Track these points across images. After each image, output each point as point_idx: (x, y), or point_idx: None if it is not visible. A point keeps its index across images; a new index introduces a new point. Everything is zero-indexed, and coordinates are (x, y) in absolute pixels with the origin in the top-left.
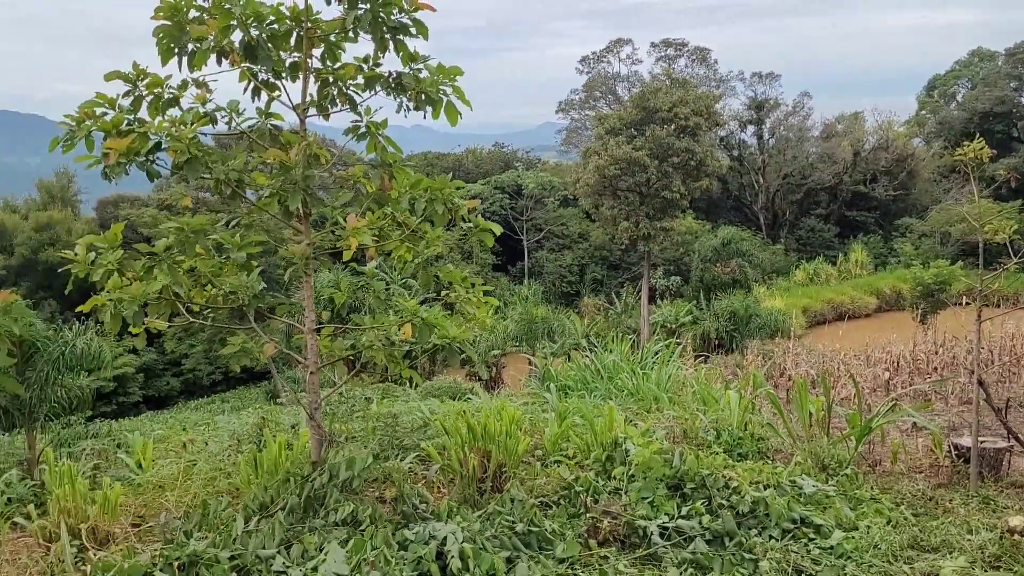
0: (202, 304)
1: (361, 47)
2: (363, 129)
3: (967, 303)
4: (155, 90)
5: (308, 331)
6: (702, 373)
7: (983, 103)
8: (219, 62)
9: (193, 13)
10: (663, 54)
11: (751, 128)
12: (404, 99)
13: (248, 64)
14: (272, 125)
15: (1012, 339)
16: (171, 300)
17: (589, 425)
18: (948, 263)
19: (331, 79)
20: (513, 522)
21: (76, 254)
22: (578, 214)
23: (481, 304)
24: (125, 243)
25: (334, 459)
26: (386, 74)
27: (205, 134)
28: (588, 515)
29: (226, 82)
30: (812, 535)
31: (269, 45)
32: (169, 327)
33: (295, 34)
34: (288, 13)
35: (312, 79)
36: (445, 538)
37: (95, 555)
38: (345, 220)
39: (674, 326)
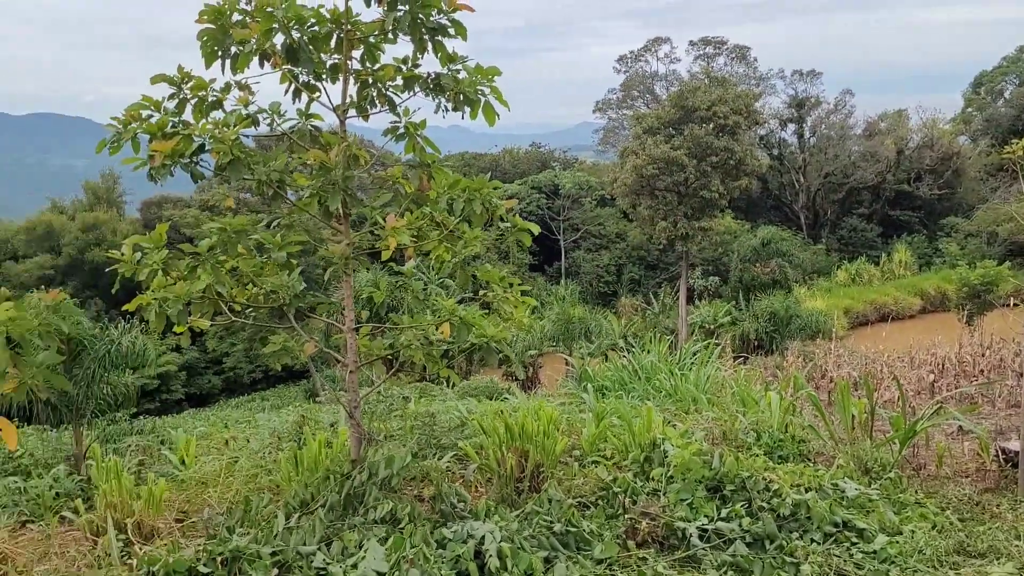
0: (244, 303)
1: (400, 48)
2: (402, 130)
3: (1015, 304)
4: (199, 93)
5: (348, 330)
6: (741, 374)
7: None
8: (261, 64)
9: (236, 16)
10: (702, 52)
11: (791, 127)
12: (442, 100)
13: (289, 66)
14: (312, 126)
15: None
16: (214, 299)
17: (627, 426)
18: (995, 263)
19: (370, 80)
20: (551, 522)
21: (123, 254)
22: (615, 214)
23: (519, 304)
24: (169, 243)
25: (373, 457)
26: (425, 75)
27: (247, 136)
28: (626, 516)
29: (266, 84)
30: (855, 539)
31: (310, 47)
32: (211, 326)
33: (335, 36)
34: (328, 15)
35: (352, 80)
36: (483, 537)
37: (140, 549)
38: (384, 220)
39: (712, 327)
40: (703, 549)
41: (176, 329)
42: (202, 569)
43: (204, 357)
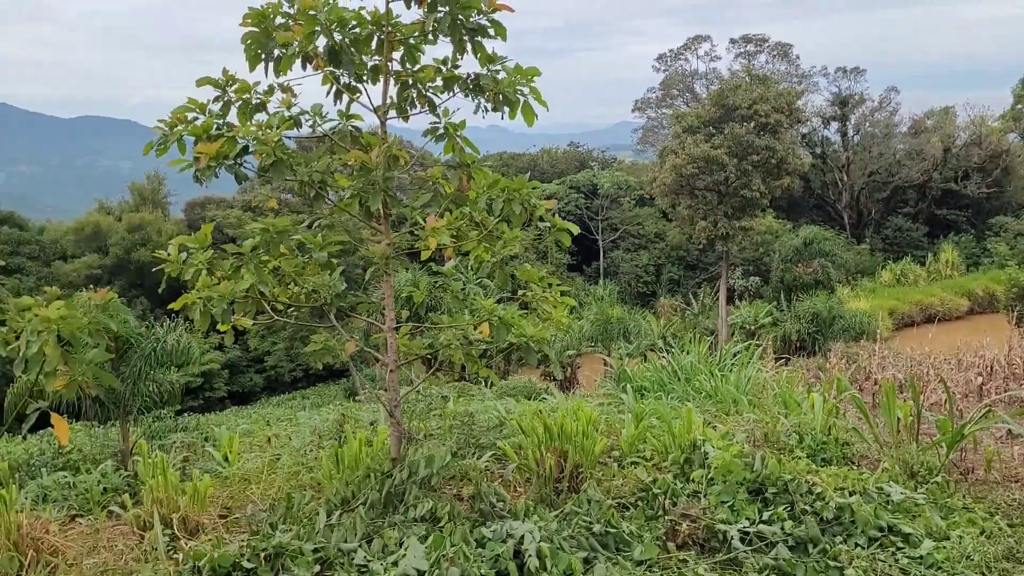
0: (286, 302)
1: (439, 49)
2: (441, 130)
3: None
4: (244, 95)
5: (388, 329)
6: (783, 376)
7: None
8: (304, 67)
9: (279, 20)
10: (743, 50)
11: (835, 125)
12: (482, 100)
13: (331, 68)
14: (353, 127)
15: None
16: (256, 298)
17: (666, 427)
18: None
19: (410, 81)
20: (590, 523)
21: (169, 254)
22: (654, 214)
23: (558, 303)
24: (212, 243)
25: (413, 456)
26: (464, 76)
27: (288, 137)
28: (666, 517)
29: (308, 86)
30: (900, 544)
31: (352, 49)
32: (253, 325)
33: (376, 38)
34: (369, 18)
35: (392, 81)
36: (522, 537)
37: (186, 544)
38: (424, 220)
39: (753, 327)
40: (744, 552)
41: (219, 327)
42: (246, 564)
43: (246, 356)
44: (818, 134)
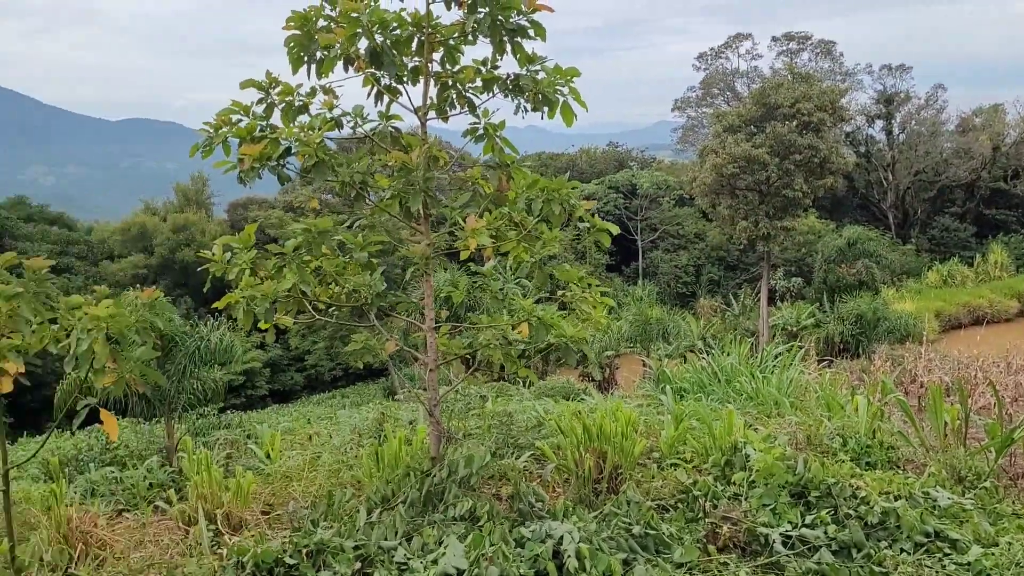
0: (327, 302)
1: (478, 50)
2: (481, 131)
3: None
4: (287, 98)
5: (428, 329)
6: (826, 378)
7: None
8: (345, 69)
9: (321, 23)
10: (785, 48)
11: (879, 123)
12: (521, 100)
13: (372, 70)
14: (393, 127)
15: None
16: (298, 298)
17: (707, 428)
18: None
19: (450, 82)
20: (629, 524)
21: (213, 254)
22: (694, 214)
23: (597, 304)
24: (255, 243)
25: (452, 455)
26: (504, 76)
27: (329, 138)
28: (707, 520)
29: (348, 87)
30: (947, 550)
31: (393, 51)
32: (294, 324)
33: (416, 39)
34: (410, 19)
35: (432, 82)
36: (561, 537)
37: (229, 539)
38: (464, 221)
39: (795, 329)
40: (786, 556)
41: (261, 326)
42: (288, 560)
43: (287, 354)
44: (862, 133)
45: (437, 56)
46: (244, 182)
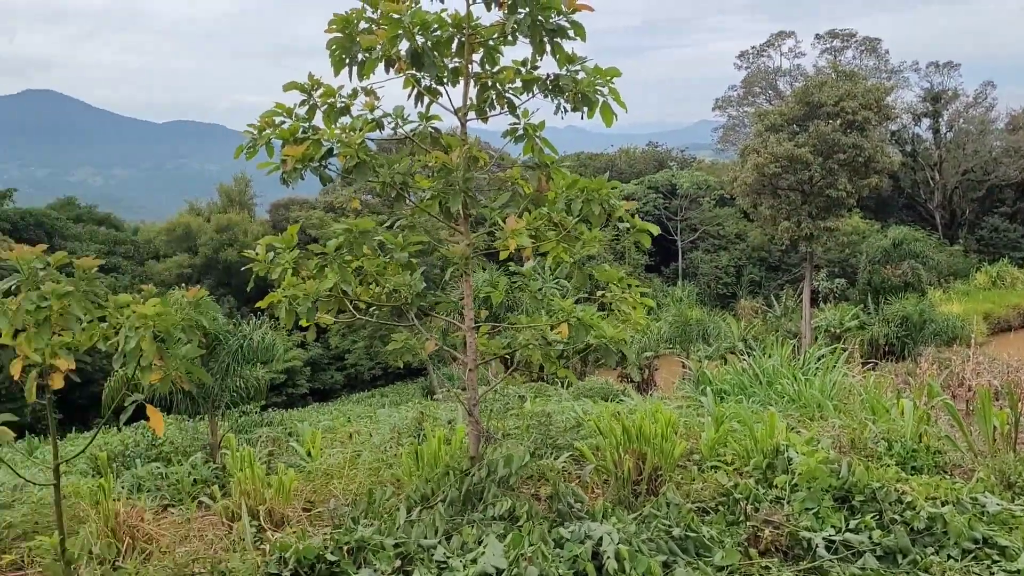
0: (367, 301)
1: (518, 50)
2: (521, 131)
3: None
4: (328, 99)
5: (467, 329)
6: (870, 381)
7: None
8: (386, 70)
9: (363, 25)
10: (828, 46)
11: (926, 121)
12: (561, 101)
13: (413, 71)
14: (433, 128)
15: None
16: (339, 297)
17: (748, 431)
18: None
19: (490, 83)
20: (669, 526)
21: (257, 254)
22: (735, 214)
23: (637, 304)
24: (296, 243)
25: (492, 455)
26: (543, 76)
27: (370, 139)
28: (748, 523)
29: (388, 88)
30: (996, 557)
31: (434, 52)
32: (335, 323)
33: (456, 40)
34: (450, 20)
35: (472, 83)
36: (601, 538)
37: (272, 535)
38: (503, 221)
39: (839, 331)
40: (830, 560)
41: (302, 323)
42: (329, 557)
43: (327, 353)
44: (908, 131)
45: (477, 57)
46: (287, 183)
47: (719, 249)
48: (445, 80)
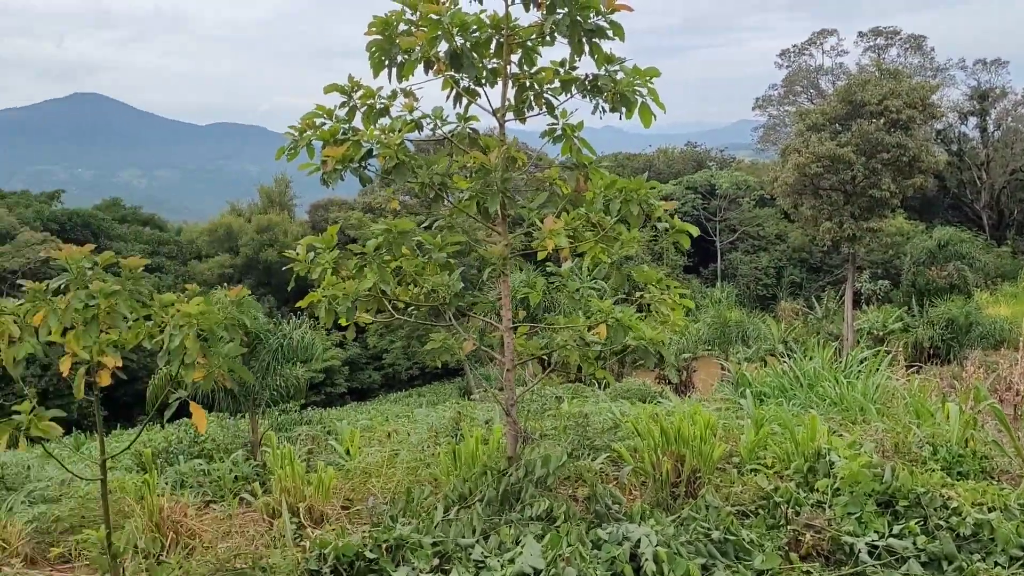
0: (406, 301)
1: (556, 51)
2: (559, 131)
3: None
4: (368, 101)
5: (505, 329)
6: (915, 384)
7: None
8: (425, 72)
9: (402, 27)
10: (872, 44)
11: (973, 120)
12: (600, 101)
13: (452, 72)
14: (471, 128)
15: None
16: (378, 297)
17: (789, 434)
18: None
19: (528, 83)
20: (708, 529)
21: (297, 254)
22: (775, 214)
23: (676, 305)
24: (335, 244)
25: (529, 455)
26: (582, 77)
27: (408, 140)
28: (789, 527)
29: (426, 90)
30: None
31: (473, 53)
32: (372, 323)
33: (495, 41)
34: (488, 21)
35: (510, 84)
36: (639, 540)
37: (312, 532)
38: (541, 221)
39: (882, 333)
40: (873, 566)
41: (341, 322)
42: (368, 555)
43: (365, 353)
44: (954, 130)
45: (515, 58)
46: (327, 183)
47: (759, 250)
48: (483, 81)
